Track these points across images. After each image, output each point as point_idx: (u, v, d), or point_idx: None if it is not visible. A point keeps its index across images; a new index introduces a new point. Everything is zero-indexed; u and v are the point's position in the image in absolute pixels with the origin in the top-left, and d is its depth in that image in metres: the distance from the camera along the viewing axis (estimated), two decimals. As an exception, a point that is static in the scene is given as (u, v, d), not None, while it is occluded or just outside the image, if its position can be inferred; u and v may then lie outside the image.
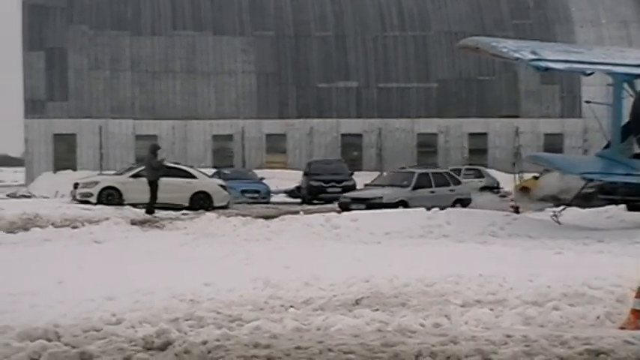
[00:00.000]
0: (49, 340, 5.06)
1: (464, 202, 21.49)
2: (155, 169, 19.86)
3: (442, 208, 16.86)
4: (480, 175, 31.73)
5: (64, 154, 34.74)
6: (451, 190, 22.07)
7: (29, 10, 35.07)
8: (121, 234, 14.38)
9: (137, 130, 34.87)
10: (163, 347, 5.01)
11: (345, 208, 20.19)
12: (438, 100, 37.35)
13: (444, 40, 36.80)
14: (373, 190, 22.20)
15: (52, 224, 15.36)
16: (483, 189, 29.39)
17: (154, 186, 19.36)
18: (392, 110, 37.01)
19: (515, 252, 11.63)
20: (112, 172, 27.39)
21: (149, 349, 5.02)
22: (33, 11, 35.13)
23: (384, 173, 27.29)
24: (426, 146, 37.22)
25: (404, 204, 19.82)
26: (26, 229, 14.31)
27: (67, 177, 29.07)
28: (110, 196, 21.68)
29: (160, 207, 19.91)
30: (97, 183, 22.68)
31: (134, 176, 22.04)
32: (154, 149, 20.75)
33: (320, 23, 37.37)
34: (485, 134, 37.48)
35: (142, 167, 21.72)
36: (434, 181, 21.81)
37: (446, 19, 37.70)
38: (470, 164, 34.34)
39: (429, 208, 16.32)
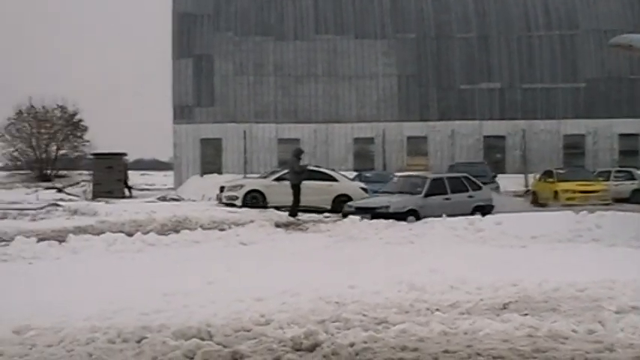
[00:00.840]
0: (203, 340, 5.24)
1: (485, 210, 18.98)
2: (298, 173, 20.16)
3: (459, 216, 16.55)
4: (631, 177, 29.85)
5: (211, 158, 35.88)
6: (470, 197, 19.71)
7: (179, 19, 36.65)
8: (266, 236, 14.64)
9: (280, 133, 35.62)
10: (312, 348, 5.08)
11: (346, 215, 18.31)
12: (586, 101, 35.62)
13: (592, 38, 35.25)
14: (381, 198, 19.95)
15: (201, 226, 15.86)
16: (636, 192, 27.64)
17: (296, 189, 19.66)
18: (537, 111, 35.74)
19: (673, 257, 11.03)
20: (256, 175, 28.45)
21: (298, 350, 5.09)
22: (182, 20, 36.68)
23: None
24: (573, 148, 35.72)
25: (414, 213, 17.91)
26: (176, 231, 14.78)
27: (213, 180, 29.80)
28: (254, 199, 22.30)
29: (302, 210, 20.30)
30: (242, 186, 23.46)
31: (277, 179, 22.52)
32: (298, 153, 21.05)
33: (462, 24, 36.63)
34: (636, 135, 35.30)
35: (286, 171, 22.18)
36: (449, 187, 19.51)
37: (595, 16, 35.85)
38: (620, 166, 32.30)
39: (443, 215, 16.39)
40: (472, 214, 17.77)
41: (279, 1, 37.15)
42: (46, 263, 10.58)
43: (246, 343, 5.26)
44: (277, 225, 17.00)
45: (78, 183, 36.48)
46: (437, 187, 19.15)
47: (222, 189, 24.20)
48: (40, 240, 12.34)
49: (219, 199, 24.40)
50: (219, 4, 37.12)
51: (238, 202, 22.32)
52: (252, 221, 16.67)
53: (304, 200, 20.20)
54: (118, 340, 5.37)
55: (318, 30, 36.85)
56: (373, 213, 17.62)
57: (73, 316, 6.25)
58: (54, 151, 42.28)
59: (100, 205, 22.58)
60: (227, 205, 22.53)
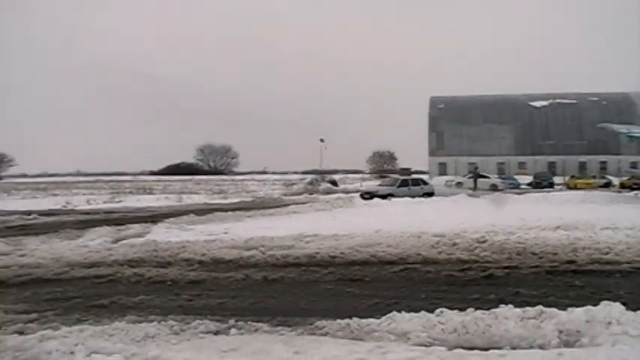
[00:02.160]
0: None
1: (429, 194, 34.27)
2: (476, 176, 22.75)
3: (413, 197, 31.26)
4: None
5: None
6: (421, 188, 35.68)
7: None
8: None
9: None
10: (483, 241, 13.23)
11: (362, 196, 33.30)
12: None
13: None
14: (377, 187, 37.93)
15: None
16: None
17: (475, 182, 22.49)
18: None
19: None
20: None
21: (482, 242, 13.12)
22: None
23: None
24: None
25: (392, 194, 32.84)
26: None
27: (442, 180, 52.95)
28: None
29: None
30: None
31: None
32: (476, 169, 23.26)
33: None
34: None
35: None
36: (410, 182, 36.21)
37: None
38: None
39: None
40: (422, 196, 32.41)
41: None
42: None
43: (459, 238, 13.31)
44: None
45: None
46: (404, 183, 35.80)
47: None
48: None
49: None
50: None
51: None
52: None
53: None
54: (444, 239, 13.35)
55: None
56: (371, 194, 33.58)
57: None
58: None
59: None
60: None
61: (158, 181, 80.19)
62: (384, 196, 32.23)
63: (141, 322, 7.03)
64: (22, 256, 13.06)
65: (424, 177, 43.94)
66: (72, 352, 5.53)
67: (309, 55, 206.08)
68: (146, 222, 20.36)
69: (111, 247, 14.04)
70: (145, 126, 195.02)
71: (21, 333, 6.55)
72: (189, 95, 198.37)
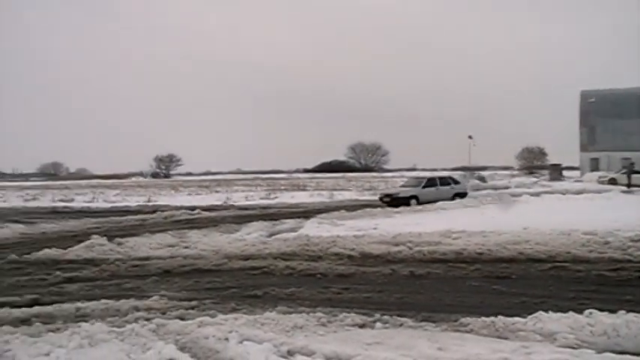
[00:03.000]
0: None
1: (461, 195, 29.07)
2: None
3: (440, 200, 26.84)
4: None
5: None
6: (452, 187, 29.42)
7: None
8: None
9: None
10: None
11: (381, 199, 28.48)
12: None
13: None
14: (397, 188, 31.17)
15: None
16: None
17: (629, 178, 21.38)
18: None
19: None
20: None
21: None
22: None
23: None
24: None
25: (415, 197, 27.61)
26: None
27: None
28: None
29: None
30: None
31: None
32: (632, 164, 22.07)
33: None
34: None
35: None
36: (438, 182, 29.47)
37: None
38: None
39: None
40: (453, 198, 28.06)
41: None
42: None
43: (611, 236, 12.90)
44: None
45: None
46: (430, 183, 29.13)
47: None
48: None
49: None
50: None
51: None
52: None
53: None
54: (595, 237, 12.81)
55: None
56: (391, 197, 27.98)
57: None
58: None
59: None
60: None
61: (311, 178, 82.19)
62: (406, 200, 27.34)
63: (291, 312, 7.35)
64: (186, 247, 14.05)
65: (573, 172, 39.04)
66: (226, 339, 5.92)
67: (457, 53, 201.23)
68: (299, 217, 21.10)
69: (266, 240, 14.69)
70: (301, 126, 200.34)
71: (182, 319, 7.08)
72: (343, 95, 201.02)
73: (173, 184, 68.97)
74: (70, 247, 14.43)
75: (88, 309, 8.03)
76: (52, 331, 6.72)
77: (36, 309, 8.17)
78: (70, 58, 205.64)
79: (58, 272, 11.37)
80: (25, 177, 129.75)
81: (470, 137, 64.40)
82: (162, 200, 36.71)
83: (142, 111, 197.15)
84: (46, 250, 14.02)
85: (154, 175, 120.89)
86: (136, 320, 7.05)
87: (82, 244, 14.44)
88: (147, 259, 12.78)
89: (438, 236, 13.94)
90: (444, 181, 29.90)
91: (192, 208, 27.02)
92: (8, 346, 5.98)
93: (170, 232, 17.35)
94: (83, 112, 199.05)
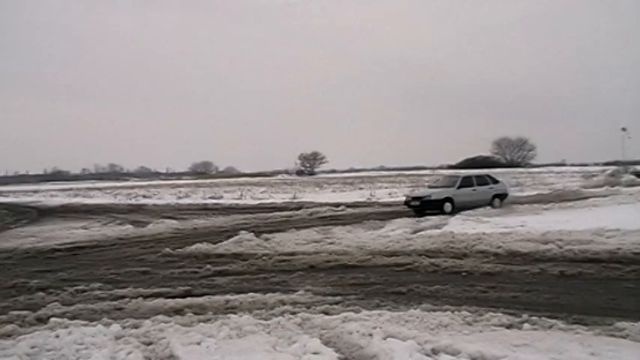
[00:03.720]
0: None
1: (502, 197, 24.87)
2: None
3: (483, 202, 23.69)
4: None
5: None
6: (490, 188, 24.67)
7: None
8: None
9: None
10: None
11: (407, 204, 23.98)
12: None
13: None
14: (427, 190, 25.67)
15: None
16: None
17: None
18: None
19: None
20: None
21: None
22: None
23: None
24: None
25: (450, 200, 23.00)
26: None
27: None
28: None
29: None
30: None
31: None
32: None
33: None
34: None
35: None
36: (475, 181, 24.52)
37: None
38: None
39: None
40: (492, 200, 24.25)
41: None
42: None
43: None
44: None
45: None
46: (466, 182, 24.20)
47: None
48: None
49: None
50: None
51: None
52: None
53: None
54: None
55: None
56: (421, 201, 23.28)
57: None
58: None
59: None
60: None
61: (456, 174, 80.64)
62: (438, 204, 22.79)
63: (435, 310, 7.27)
64: (331, 243, 14.29)
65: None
66: (370, 335, 5.97)
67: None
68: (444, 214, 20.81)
69: (410, 237, 14.62)
70: (444, 122, 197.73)
71: (327, 313, 7.18)
72: (487, 90, 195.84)
73: (317, 182, 70.42)
74: (219, 241, 15.11)
75: (236, 301, 8.33)
76: (203, 321, 7.01)
77: (188, 300, 8.59)
78: (220, 64, 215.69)
79: (208, 265, 11.93)
80: (178, 175, 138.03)
81: (623, 129, 60.62)
82: (307, 197, 37.42)
83: (287, 110, 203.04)
84: (198, 245, 14.73)
85: (299, 173, 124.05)
86: (282, 314, 7.23)
87: (231, 240, 15.09)
88: (292, 254, 13.09)
89: (589, 234, 13.26)
90: (482, 180, 25.09)
91: (337, 205, 27.37)
92: (163, 334, 6.37)
93: (315, 228, 17.73)
94: (232, 112, 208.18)
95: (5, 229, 23.84)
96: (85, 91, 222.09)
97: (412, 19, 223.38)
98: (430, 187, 26.44)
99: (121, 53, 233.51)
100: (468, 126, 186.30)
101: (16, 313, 8.00)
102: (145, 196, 47.18)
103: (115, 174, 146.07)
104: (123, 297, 8.97)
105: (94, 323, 6.93)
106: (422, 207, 22.81)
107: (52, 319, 7.23)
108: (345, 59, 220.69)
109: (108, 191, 62.22)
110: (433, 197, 23.06)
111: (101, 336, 6.32)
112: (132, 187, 73.21)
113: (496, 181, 25.39)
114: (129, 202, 41.66)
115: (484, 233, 14.37)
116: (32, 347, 6.09)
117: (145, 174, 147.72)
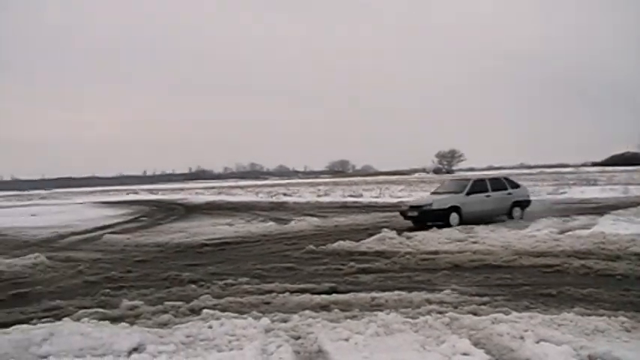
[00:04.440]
0: None
1: (523, 205, 20.65)
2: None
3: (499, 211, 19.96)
4: None
5: None
6: (508, 194, 20.35)
7: None
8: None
9: None
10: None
11: (404, 215, 19.83)
12: None
13: None
14: (426, 197, 21.37)
15: None
16: None
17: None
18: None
19: None
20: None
21: None
22: None
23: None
24: None
25: (456, 210, 18.84)
26: None
27: None
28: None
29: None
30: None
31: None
32: None
33: None
34: None
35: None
36: (490, 186, 20.13)
37: None
38: None
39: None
40: (511, 208, 20.18)
41: None
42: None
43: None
44: None
45: None
46: (478, 187, 19.88)
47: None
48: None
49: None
50: None
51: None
52: None
53: None
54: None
55: None
56: (420, 210, 18.95)
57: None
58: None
59: None
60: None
61: (602, 172, 76.29)
62: (441, 215, 18.58)
63: (589, 314, 6.88)
64: (475, 242, 13.97)
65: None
66: (522, 337, 5.75)
67: None
68: (591, 214, 19.76)
69: (557, 237, 13.98)
70: (585, 117, 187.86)
71: (475, 314, 6.99)
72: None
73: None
74: (361, 239, 15.16)
75: (382, 299, 8.31)
76: (350, 318, 7.04)
77: (334, 296, 8.65)
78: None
79: (352, 263, 11.99)
80: (316, 174, 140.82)
81: None
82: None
83: (424, 108, 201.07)
84: (340, 242, 14.88)
85: (437, 171, 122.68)
86: (428, 313, 7.11)
87: (373, 237, 15.07)
88: (435, 252, 12.93)
89: None
90: (498, 185, 20.40)
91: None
92: (311, 329, 6.47)
93: (457, 227, 17.43)
94: (368, 111, 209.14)
95: (156, 224, 25.35)
96: (231, 91, 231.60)
97: (556, 11, 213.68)
98: (434, 192, 21.67)
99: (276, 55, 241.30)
100: (612, 121, 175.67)
101: (170, 303, 8.41)
102: (285, 194, 48.43)
103: (255, 172, 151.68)
104: (270, 292, 9.21)
105: (245, 316, 7.14)
106: (421, 218, 18.75)
107: (205, 311, 7.49)
108: (478, 54, 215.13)
109: (249, 189, 64.63)
110: (435, 206, 18.69)
111: (251, 328, 6.50)
112: (272, 185, 75.62)
113: (516, 186, 20.99)
114: (270, 199, 42.98)
115: (638, 234, 13.46)
116: (187, 336, 6.37)
117: (283, 172, 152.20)
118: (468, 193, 19.38)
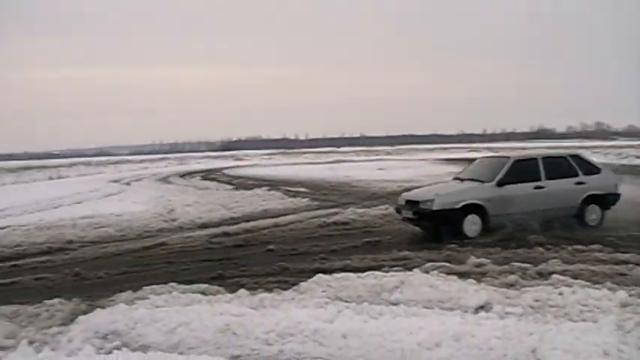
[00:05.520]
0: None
1: (604, 201, 11.97)
2: None
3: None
4: None
5: None
6: (579, 183, 11.77)
7: None
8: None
9: None
10: None
11: (401, 216, 12.32)
12: None
13: None
14: (431, 189, 12.63)
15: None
16: None
17: None
18: None
19: None
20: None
21: None
22: None
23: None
24: None
25: (477, 210, 11.19)
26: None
27: None
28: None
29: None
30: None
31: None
32: None
33: None
34: None
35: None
36: (544, 171, 11.73)
37: None
38: None
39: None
40: (584, 205, 11.92)
41: None
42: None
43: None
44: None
45: None
46: (522, 172, 11.77)
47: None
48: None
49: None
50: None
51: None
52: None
53: None
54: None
55: None
56: (417, 209, 11.60)
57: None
58: None
59: None
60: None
61: None
62: (451, 217, 11.01)
63: None
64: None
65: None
66: None
67: None
68: None
69: None
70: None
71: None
72: None
73: None
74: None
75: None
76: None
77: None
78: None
79: None
80: None
81: None
82: None
83: None
84: None
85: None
86: None
87: None
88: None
89: None
90: (560, 168, 12.08)
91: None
92: None
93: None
94: None
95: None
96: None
97: None
98: (455, 178, 13.21)
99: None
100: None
101: (517, 264, 8.30)
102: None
103: (601, 132, 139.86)
104: (625, 262, 8.46)
105: (598, 286, 6.69)
106: (419, 222, 12.07)
107: (554, 276, 7.29)
108: None
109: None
110: (437, 205, 11.26)
111: (606, 300, 6.10)
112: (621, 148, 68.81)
113: (594, 171, 12.42)
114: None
115: None
116: (536, 300, 6.23)
117: (635, 132, 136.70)
118: (501, 183, 11.64)
